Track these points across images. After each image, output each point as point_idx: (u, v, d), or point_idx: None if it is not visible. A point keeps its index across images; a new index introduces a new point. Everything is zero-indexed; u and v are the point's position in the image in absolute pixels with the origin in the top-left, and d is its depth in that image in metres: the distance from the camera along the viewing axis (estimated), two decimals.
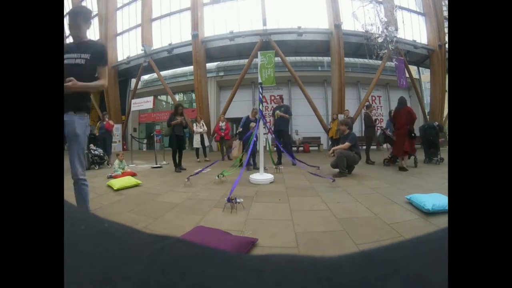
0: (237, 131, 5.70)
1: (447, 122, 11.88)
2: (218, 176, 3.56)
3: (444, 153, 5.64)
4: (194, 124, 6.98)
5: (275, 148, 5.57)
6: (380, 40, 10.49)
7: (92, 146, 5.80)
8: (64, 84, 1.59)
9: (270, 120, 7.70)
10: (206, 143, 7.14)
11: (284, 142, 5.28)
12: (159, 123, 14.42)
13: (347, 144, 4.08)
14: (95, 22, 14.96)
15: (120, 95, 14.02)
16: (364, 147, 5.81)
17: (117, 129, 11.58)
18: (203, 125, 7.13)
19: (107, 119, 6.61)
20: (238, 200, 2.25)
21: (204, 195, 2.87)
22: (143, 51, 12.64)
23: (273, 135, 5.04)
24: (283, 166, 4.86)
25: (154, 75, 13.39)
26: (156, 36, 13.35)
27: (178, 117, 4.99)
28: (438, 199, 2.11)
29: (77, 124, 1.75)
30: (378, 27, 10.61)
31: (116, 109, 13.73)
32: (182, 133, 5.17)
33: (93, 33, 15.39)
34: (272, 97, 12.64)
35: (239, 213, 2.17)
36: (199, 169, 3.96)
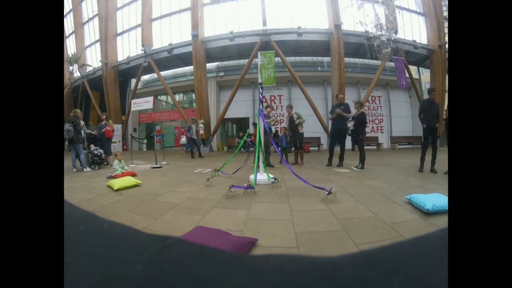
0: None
1: (447, 122, 11.85)
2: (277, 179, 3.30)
3: (444, 153, 5.63)
4: None
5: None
6: (380, 40, 10.49)
7: (92, 146, 5.80)
8: None
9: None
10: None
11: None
12: (159, 123, 14.46)
13: None
14: (95, 22, 14.99)
15: (120, 95, 14.03)
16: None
17: (117, 129, 11.58)
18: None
19: (108, 127, 6.17)
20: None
21: (204, 195, 2.88)
22: (143, 51, 12.64)
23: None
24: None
25: (154, 75, 13.39)
26: (156, 36, 13.35)
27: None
28: (438, 199, 2.11)
29: None
30: (378, 27, 10.61)
31: (116, 109, 13.74)
32: None
33: (93, 33, 15.46)
34: (272, 98, 12.65)
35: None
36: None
